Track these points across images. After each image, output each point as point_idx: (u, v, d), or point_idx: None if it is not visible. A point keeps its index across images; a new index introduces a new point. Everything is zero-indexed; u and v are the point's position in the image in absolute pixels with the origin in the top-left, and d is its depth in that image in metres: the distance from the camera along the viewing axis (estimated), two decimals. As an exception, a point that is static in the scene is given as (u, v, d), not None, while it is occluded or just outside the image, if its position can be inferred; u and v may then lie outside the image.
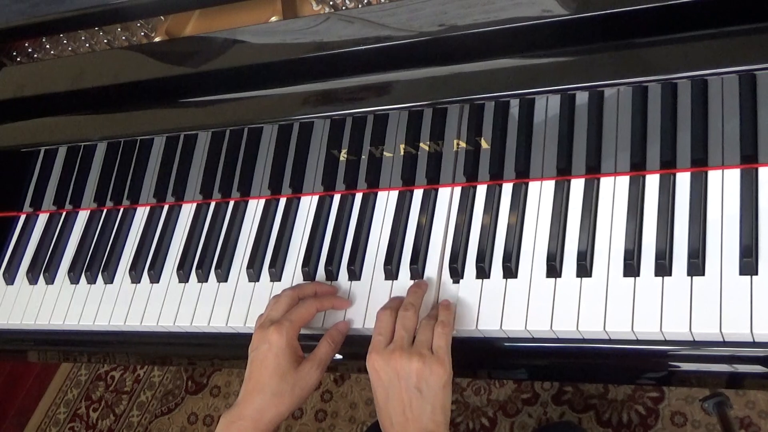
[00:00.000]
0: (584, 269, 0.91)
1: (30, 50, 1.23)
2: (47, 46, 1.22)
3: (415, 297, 0.96)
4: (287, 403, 0.92)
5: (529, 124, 0.96)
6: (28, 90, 1.19)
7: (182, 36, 1.15)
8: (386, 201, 1.08)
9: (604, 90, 0.90)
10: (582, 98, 0.92)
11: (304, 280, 1.07)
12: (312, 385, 0.94)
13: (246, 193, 1.16)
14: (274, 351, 0.92)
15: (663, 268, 0.88)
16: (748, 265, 0.84)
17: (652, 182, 0.93)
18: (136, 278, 1.17)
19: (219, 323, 1.08)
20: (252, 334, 1.08)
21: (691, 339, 0.85)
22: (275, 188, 1.14)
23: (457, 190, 1.04)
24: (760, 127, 0.86)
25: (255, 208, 1.16)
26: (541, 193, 0.99)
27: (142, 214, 1.23)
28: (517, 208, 0.98)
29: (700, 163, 0.91)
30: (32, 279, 1.25)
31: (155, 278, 1.16)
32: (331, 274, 1.06)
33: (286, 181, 1.13)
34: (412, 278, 1.00)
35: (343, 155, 1.07)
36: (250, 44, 1.04)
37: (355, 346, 0.98)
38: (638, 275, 0.89)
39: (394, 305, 0.95)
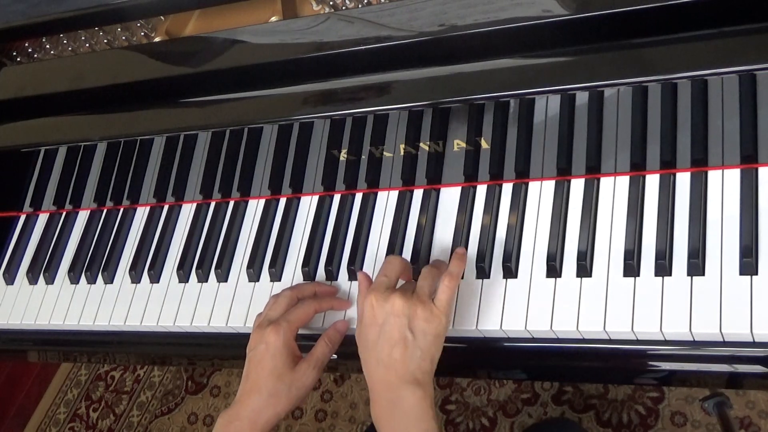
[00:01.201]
0: (584, 269, 0.91)
1: (30, 50, 1.23)
2: (47, 46, 1.22)
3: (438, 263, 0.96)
4: (284, 403, 0.92)
5: (529, 124, 0.96)
6: (28, 90, 1.19)
7: (182, 36, 1.15)
8: (386, 201, 1.08)
9: (604, 90, 0.90)
10: (582, 98, 0.92)
11: (304, 280, 1.07)
12: (309, 386, 0.94)
13: (246, 193, 1.16)
14: (271, 351, 0.92)
15: (663, 268, 0.88)
16: (748, 265, 0.84)
17: (652, 182, 0.93)
18: (136, 278, 1.17)
19: (219, 323, 1.08)
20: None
21: (691, 339, 0.85)
22: (275, 188, 1.14)
23: (457, 190, 1.04)
24: (760, 127, 0.86)
25: (255, 208, 1.16)
26: (541, 193, 0.99)
27: (142, 214, 1.23)
28: (517, 208, 0.98)
29: (700, 163, 0.91)
30: (32, 279, 1.25)
31: (155, 278, 1.16)
32: (331, 274, 1.06)
33: (286, 181, 1.13)
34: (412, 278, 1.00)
35: (343, 155, 1.07)
36: (250, 44, 1.04)
37: (355, 347, 0.98)
38: (638, 275, 0.89)
39: (407, 259, 0.95)
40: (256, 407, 0.91)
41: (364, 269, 1.04)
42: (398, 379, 0.84)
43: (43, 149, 1.24)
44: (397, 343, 0.85)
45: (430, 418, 0.84)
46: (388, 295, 0.88)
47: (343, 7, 1.01)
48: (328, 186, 1.11)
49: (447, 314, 0.88)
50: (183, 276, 1.14)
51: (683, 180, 0.92)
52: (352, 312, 1.01)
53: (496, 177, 1.01)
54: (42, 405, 2.41)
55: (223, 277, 1.12)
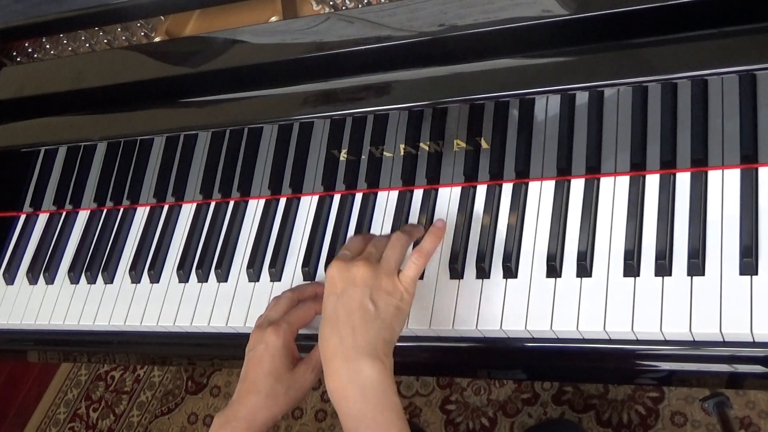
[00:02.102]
0: (584, 269, 0.91)
1: (30, 50, 1.23)
2: (47, 46, 1.22)
3: (411, 228, 0.94)
4: (281, 404, 0.91)
5: (529, 124, 0.96)
6: (28, 90, 1.19)
7: (182, 36, 1.15)
8: (386, 201, 1.08)
9: (604, 90, 0.90)
10: (582, 98, 0.92)
11: (304, 280, 1.07)
12: (307, 388, 0.93)
13: (246, 193, 1.16)
14: (270, 352, 0.91)
15: (663, 268, 0.88)
16: (748, 265, 0.84)
17: (652, 182, 0.93)
18: (136, 278, 1.18)
19: (219, 323, 1.08)
20: (252, 334, 1.08)
21: (691, 339, 0.85)
22: (275, 188, 1.14)
23: (457, 190, 1.04)
24: (760, 127, 0.86)
25: (255, 208, 1.16)
26: (541, 193, 0.99)
27: (142, 214, 1.23)
28: (517, 208, 0.98)
29: (700, 163, 0.91)
30: (32, 279, 1.25)
31: (155, 278, 1.16)
32: (331, 274, 1.05)
33: (286, 181, 1.13)
34: None
35: (343, 155, 1.07)
36: (250, 44, 1.04)
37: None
38: (638, 275, 0.89)
39: (368, 235, 0.94)
40: (253, 407, 0.91)
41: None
42: (356, 351, 0.81)
43: (43, 149, 1.24)
44: (354, 311, 0.83)
45: (393, 393, 0.81)
46: (350, 264, 0.86)
47: (343, 7, 1.01)
48: (328, 186, 1.11)
49: (411, 291, 0.87)
50: (183, 276, 1.14)
51: (683, 180, 0.92)
52: None
53: (496, 177, 1.01)
54: (42, 405, 2.41)
55: (223, 277, 1.12)
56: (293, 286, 1.06)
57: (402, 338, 0.98)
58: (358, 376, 0.81)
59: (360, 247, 0.92)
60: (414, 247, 0.94)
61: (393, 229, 1.04)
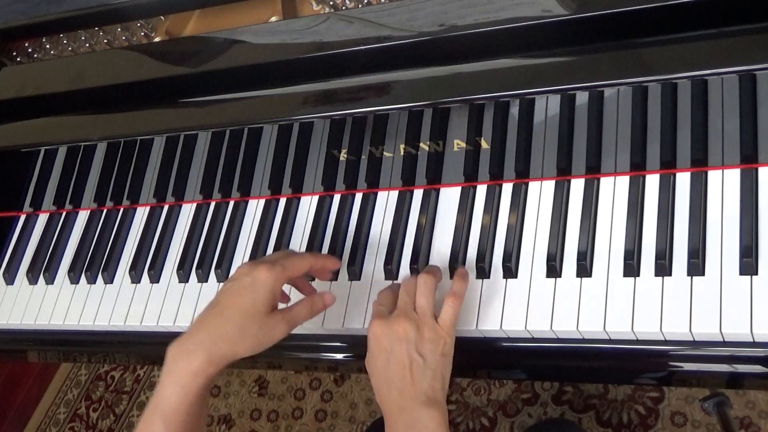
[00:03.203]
0: (584, 269, 0.91)
1: (30, 50, 1.23)
2: (47, 46, 1.22)
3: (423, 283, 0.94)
4: (246, 344, 0.86)
5: (529, 124, 0.96)
6: (28, 90, 1.19)
7: (182, 36, 1.15)
8: (386, 201, 1.08)
9: (604, 90, 0.90)
10: (582, 98, 0.92)
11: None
12: (276, 338, 0.88)
13: (246, 193, 1.16)
14: (257, 287, 0.87)
15: (663, 268, 0.88)
16: (748, 265, 0.84)
17: (652, 182, 0.93)
18: (136, 278, 1.18)
19: (219, 323, 1.08)
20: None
21: (691, 339, 0.85)
22: (275, 188, 1.14)
23: (457, 190, 1.04)
24: (760, 127, 0.86)
25: (255, 208, 1.16)
26: (541, 193, 0.99)
27: (142, 214, 1.23)
28: (517, 208, 0.98)
29: (700, 163, 0.91)
30: (32, 279, 1.25)
31: (155, 278, 1.16)
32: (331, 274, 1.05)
33: (286, 181, 1.13)
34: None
35: (343, 155, 1.07)
36: (250, 44, 1.04)
37: (355, 347, 0.98)
38: (638, 275, 0.89)
39: (394, 287, 0.95)
40: (216, 337, 0.84)
41: (364, 269, 1.04)
42: (412, 401, 0.85)
43: (43, 149, 1.24)
44: (407, 367, 0.85)
45: None
46: (391, 321, 0.88)
47: (343, 7, 1.01)
48: (328, 186, 1.11)
49: (451, 334, 0.89)
50: (183, 276, 1.14)
51: (683, 180, 0.92)
52: (352, 312, 1.00)
53: (496, 177, 1.01)
54: (42, 405, 2.41)
55: (223, 277, 1.12)
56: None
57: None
58: (417, 425, 0.84)
59: (391, 299, 0.92)
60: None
61: (393, 229, 1.04)
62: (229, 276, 0.91)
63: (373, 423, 1.37)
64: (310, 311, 0.93)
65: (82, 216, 1.28)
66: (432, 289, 0.91)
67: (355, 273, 1.04)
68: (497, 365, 1.00)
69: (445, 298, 0.90)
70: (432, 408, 0.84)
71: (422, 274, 0.92)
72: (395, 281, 1.01)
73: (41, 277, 1.25)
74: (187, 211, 1.20)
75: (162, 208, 1.22)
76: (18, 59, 1.24)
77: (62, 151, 1.24)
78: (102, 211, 1.27)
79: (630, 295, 0.88)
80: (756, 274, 0.84)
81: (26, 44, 1.23)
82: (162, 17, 1.15)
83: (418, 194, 1.06)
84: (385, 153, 1.05)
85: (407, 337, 0.86)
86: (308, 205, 1.12)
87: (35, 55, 1.23)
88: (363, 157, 1.07)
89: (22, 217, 1.33)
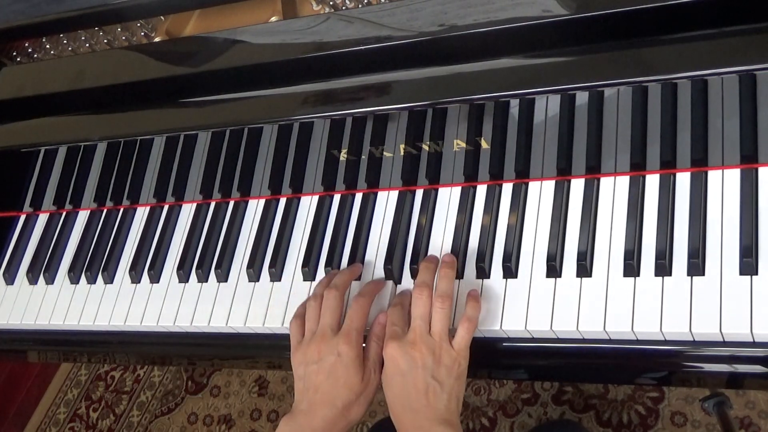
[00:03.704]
0: (584, 269, 0.91)
1: (30, 50, 1.23)
2: (47, 46, 1.22)
3: (427, 274, 0.95)
4: (355, 411, 0.92)
5: (529, 124, 0.96)
6: (28, 90, 1.19)
7: (182, 36, 1.15)
8: (386, 201, 1.08)
9: (604, 90, 0.90)
10: (582, 98, 0.92)
11: (305, 280, 1.07)
12: (375, 390, 0.94)
13: (246, 193, 1.16)
14: (345, 362, 0.91)
15: (663, 268, 0.88)
16: (748, 265, 0.84)
17: (652, 182, 0.93)
18: (136, 278, 1.17)
19: (219, 323, 1.08)
20: (252, 334, 1.08)
21: (691, 339, 0.85)
22: (275, 188, 1.14)
23: (457, 190, 1.04)
24: (760, 127, 0.86)
25: (255, 208, 1.16)
26: (541, 193, 0.99)
27: (142, 214, 1.23)
28: (517, 208, 0.98)
29: (700, 163, 0.91)
30: (32, 279, 1.25)
31: (155, 278, 1.16)
32: (331, 274, 1.06)
33: (286, 181, 1.13)
34: (412, 278, 1.00)
35: (343, 155, 1.07)
36: (250, 44, 1.04)
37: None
38: (638, 275, 0.89)
39: (404, 301, 0.95)
40: (329, 419, 0.91)
41: (364, 269, 1.04)
42: (429, 422, 0.86)
43: (43, 149, 1.24)
44: (423, 392, 0.87)
45: None
46: (407, 345, 0.89)
47: (343, 7, 1.01)
48: (328, 186, 1.11)
49: (466, 357, 0.90)
50: (183, 276, 1.14)
51: (683, 180, 0.92)
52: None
53: (496, 177, 1.01)
54: (42, 405, 2.41)
55: (223, 277, 1.12)
56: (294, 286, 1.06)
57: (402, 338, 0.98)
58: None
59: (404, 318, 0.93)
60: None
61: (393, 229, 1.04)
62: (306, 357, 0.94)
63: (375, 424, 1.37)
64: (381, 342, 0.95)
65: (82, 216, 1.28)
66: (449, 315, 0.92)
67: (355, 273, 1.04)
68: (497, 365, 1.00)
69: (459, 323, 0.91)
70: (448, 427, 0.86)
71: (437, 297, 0.92)
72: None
73: (41, 277, 1.25)
74: (187, 211, 1.20)
75: (162, 208, 1.22)
76: (18, 59, 1.24)
77: (62, 151, 1.24)
78: (102, 211, 1.27)
79: (630, 295, 0.88)
80: (756, 274, 0.84)
81: (26, 44, 1.23)
82: (162, 17, 1.15)
83: (418, 194, 1.06)
84: (385, 153, 1.05)
85: (424, 363, 0.88)
86: (308, 205, 1.12)
87: (35, 55, 1.23)
88: (363, 157, 1.07)
89: (22, 217, 1.33)
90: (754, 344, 0.83)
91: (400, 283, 1.02)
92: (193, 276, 1.14)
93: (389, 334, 0.91)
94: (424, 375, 0.87)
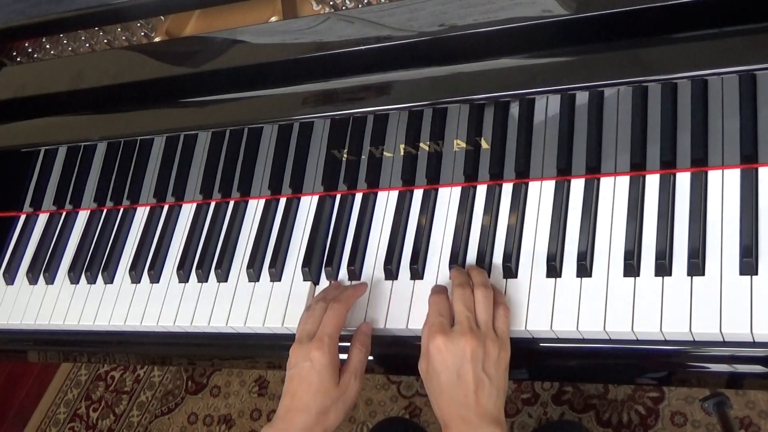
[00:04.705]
0: (584, 269, 0.91)
1: (30, 50, 1.23)
2: (47, 46, 1.22)
3: (461, 275, 0.95)
4: (332, 418, 0.92)
5: (529, 124, 0.96)
6: (28, 90, 1.19)
7: (182, 36, 1.15)
8: (386, 201, 1.08)
9: (604, 90, 0.90)
10: (582, 98, 0.92)
11: (304, 280, 1.07)
12: (354, 397, 0.94)
13: (246, 193, 1.16)
14: (317, 368, 0.91)
15: (663, 268, 0.88)
16: (748, 265, 0.84)
17: (652, 182, 0.93)
18: (136, 278, 1.17)
19: (219, 323, 1.08)
20: (252, 334, 1.08)
21: (691, 339, 0.85)
22: (275, 188, 1.14)
23: (457, 190, 1.04)
24: (760, 127, 0.86)
25: (255, 208, 1.16)
26: (541, 193, 0.99)
27: (142, 214, 1.23)
28: (517, 208, 0.98)
29: (700, 163, 0.91)
30: (32, 279, 1.25)
31: (155, 278, 1.16)
32: (331, 274, 1.05)
33: (286, 181, 1.13)
34: (412, 278, 1.00)
35: (343, 155, 1.07)
36: (250, 44, 1.04)
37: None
38: (638, 275, 0.89)
39: (443, 289, 0.95)
40: (304, 426, 0.90)
41: (364, 269, 1.04)
42: (477, 418, 0.85)
43: (43, 149, 1.24)
44: (473, 387, 0.86)
45: None
46: (456, 337, 0.87)
47: (343, 7, 1.01)
48: (329, 186, 1.11)
49: (508, 344, 0.90)
50: (183, 276, 1.14)
51: (683, 180, 0.92)
52: (352, 312, 1.00)
53: (496, 177, 1.01)
54: (42, 405, 2.41)
55: (223, 277, 1.12)
56: (294, 286, 1.06)
57: (402, 338, 0.98)
58: None
59: (447, 308, 0.92)
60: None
61: (393, 229, 1.04)
62: (288, 363, 0.94)
63: (375, 425, 1.37)
64: (364, 352, 0.96)
65: (82, 216, 1.28)
66: (491, 304, 0.91)
67: (354, 273, 1.04)
68: (497, 365, 1.00)
69: (496, 308, 0.90)
70: (497, 426, 0.85)
71: (478, 287, 0.92)
72: (396, 282, 1.01)
73: (41, 277, 1.25)
74: (187, 211, 1.20)
75: (162, 208, 1.22)
76: (18, 59, 1.24)
77: (62, 151, 1.24)
78: (102, 211, 1.27)
79: (630, 295, 0.88)
80: (756, 274, 0.84)
81: (26, 44, 1.23)
82: (162, 17, 1.15)
83: (418, 194, 1.06)
84: (385, 153, 1.05)
85: (473, 356, 0.86)
86: (308, 205, 1.12)
87: (35, 55, 1.23)
88: (363, 157, 1.07)
89: (22, 217, 1.33)
90: (754, 344, 0.83)
91: (397, 279, 1.01)
92: (193, 276, 1.14)
93: (436, 326, 0.89)
94: (474, 369, 0.86)
